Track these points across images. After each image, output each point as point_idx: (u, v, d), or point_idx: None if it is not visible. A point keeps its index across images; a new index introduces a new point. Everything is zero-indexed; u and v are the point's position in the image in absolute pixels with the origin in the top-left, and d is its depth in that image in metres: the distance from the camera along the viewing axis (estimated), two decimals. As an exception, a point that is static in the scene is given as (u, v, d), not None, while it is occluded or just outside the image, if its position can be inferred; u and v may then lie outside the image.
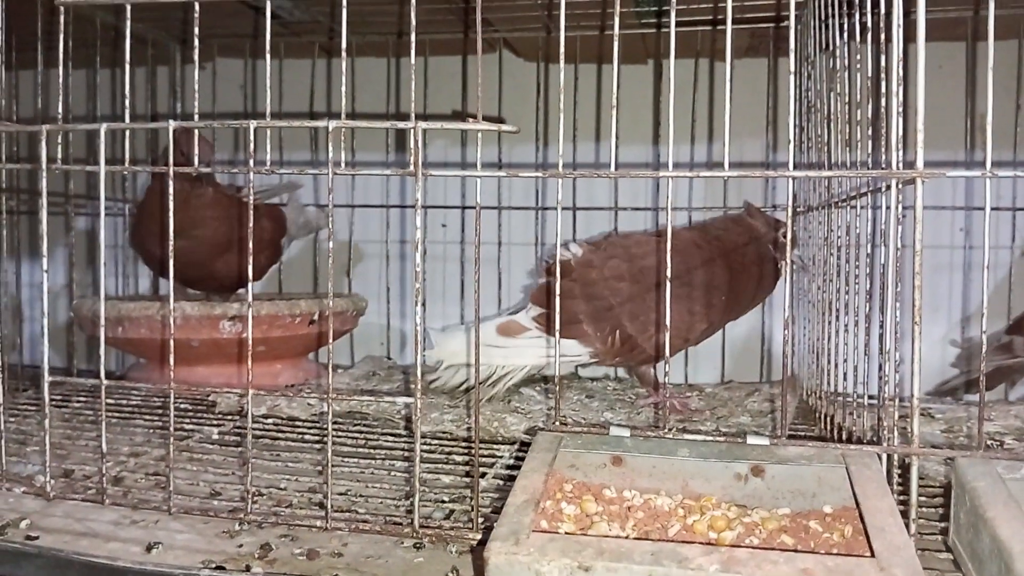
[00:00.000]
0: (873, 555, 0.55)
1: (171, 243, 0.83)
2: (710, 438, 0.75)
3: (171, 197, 0.82)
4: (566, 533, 0.61)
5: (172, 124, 0.79)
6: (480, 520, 0.78)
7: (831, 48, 1.06)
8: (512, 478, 0.94)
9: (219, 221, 1.42)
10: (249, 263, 0.81)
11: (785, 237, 1.24)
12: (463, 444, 1.09)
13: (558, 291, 0.79)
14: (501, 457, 1.04)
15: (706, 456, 0.72)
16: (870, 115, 0.85)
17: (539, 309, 1.26)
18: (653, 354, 1.25)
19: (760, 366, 1.63)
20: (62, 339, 1.69)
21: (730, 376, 1.61)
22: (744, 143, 1.65)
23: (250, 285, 0.82)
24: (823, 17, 1.10)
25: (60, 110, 0.85)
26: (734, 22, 0.77)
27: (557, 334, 0.80)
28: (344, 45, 0.76)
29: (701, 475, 0.72)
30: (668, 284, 0.77)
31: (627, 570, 0.53)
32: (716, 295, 1.22)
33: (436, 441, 1.10)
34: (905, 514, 0.71)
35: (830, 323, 1.03)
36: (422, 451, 0.79)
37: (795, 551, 0.60)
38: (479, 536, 0.76)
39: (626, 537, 0.63)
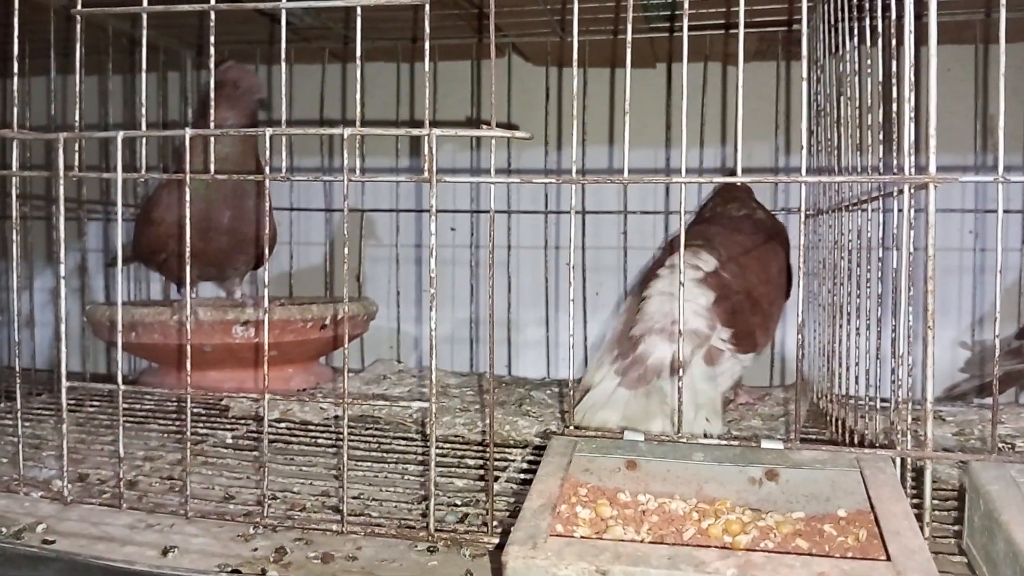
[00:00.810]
0: (889, 559, 0.55)
1: (183, 235, 0.83)
2: (724, 442, 0.75)
3: (188, 202, 0.82)
4: (582, 537, 0.61)
5: (188, 132, 0.80)
6: (494, 523, 0.79)
7: (840, 52, 1.06)
8: (525, 481, 0.94)
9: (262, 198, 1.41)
10: (265, 258, 0.82)
11: None
12: (475, 448, 1.10)
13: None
14: (513, 461, 1.04)
15: (720, 460, 0.72)
16: (880, 119, 0.85)
17: (728, 329, 1.09)
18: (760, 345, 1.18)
19: (770, 370, 1.63)
20: (75, 344, 1.70)
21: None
22: (753, 147, 1.65)
23: (266, 290, 0.83)
24: (832, 21, 1.11)
25: (76, 118, 0.85)
26: (744, 26, 0.77)
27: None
28: (359, 53, 0.77)
29: (715, 479, 0.72)
30: (681, 283, 0.77)
31: (644, 574, 0.53)
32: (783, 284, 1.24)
33: (448, 445, 1.11)
34: (919, 517, 0.71)
35: (841, 326, 1.03)
36: (435, 454, 0.80)
37: (811, 555, 0.60)
38: (494, 540, 0.76)
39: (641, 541, 0.63)
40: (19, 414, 0.91)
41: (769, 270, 1.19)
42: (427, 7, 0.75)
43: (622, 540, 0.61)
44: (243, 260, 1.44)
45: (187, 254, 0.83)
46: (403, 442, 1.12)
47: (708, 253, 1.13)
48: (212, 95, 0.81)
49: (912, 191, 0.73)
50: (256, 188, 1.38)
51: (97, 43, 1.52)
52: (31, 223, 1.54)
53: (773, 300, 1.18)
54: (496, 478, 0.96)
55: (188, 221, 0.82)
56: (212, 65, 0.81)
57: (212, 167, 0.83)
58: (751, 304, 1.12)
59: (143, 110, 0.83)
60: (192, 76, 1.84)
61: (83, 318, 1.49)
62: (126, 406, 1.28)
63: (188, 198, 0.81)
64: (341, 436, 0.81)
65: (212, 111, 0.81)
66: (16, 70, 0.89)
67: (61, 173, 0.83)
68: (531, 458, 1.05)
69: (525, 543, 0.56)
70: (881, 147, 0.87)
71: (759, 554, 0.55)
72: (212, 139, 0.82)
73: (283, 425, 1.20)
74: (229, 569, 0.72)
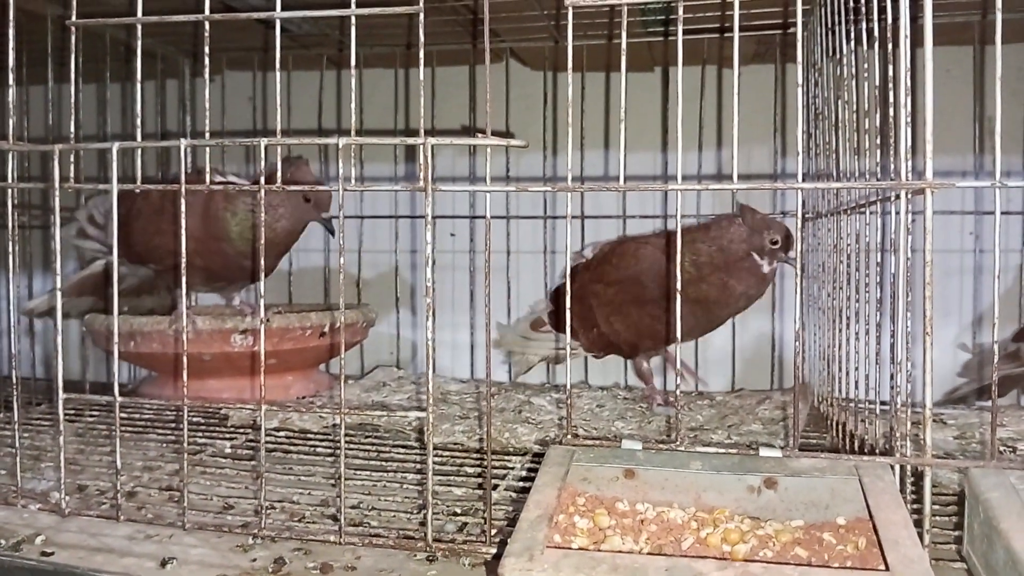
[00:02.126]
0: (888, 568, 0.55)
1: (180, 243, 0.83)
2: (722, 450, 0.75)
3: (183, 211, 0.82)
4: (579, 548, 0.61)
5: (184, 142, 0.80)
6: (493, 532, 0.78)
7: (838, 55, 1.06)
8: (524, 489, 0.94)
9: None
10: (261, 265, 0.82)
11: (774, 243, 1.22)
12: (475, 455, 1.10)
13: (569, 291, 0.81)
14: (513, 468, 1.04)
15: (719, 468, 0.72)
16: (878, 123, 0.85)
17: (551, 307, 1.46)
18: (628, 350, 1.37)
19: (771, 373, 1.62)
20: (74, 353, 1.70)
21: (740, 383, 1.61)
22: (752, 149, 1.64)
23: (261, 301, 0.83)
24: (829, 24, 1.11)
25: (72, 129, 0.85)
26: (740, 29, 0.77)
27: (568, 336, 0.80)
28: (353, 62, 0.77)
29: (714, 487, 0.72)
30: (679, 293, 0.77)
31: (641, 586, 0.53)
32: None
33: (447, 453, 1.11)
34: (919, 523, 0.71)
35: (841, 330, 1.03)
36: (434, 463, 0.80)
37: (809, 564, 0.60)
38: (492, 550, 0.76)
39: (639, 551, 0.63)
40: (17, 425, 0.91)
41: (625, 282, 1.31)
42: (422, 15, 0.75)
43: (620, 551, 0.61)
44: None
45: (183, 262, 0.83)
46: (402, 450, 1.12)
47: (593, 251, 1.40)
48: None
49: (909, 197, 0.73)
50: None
51: (95, 51, 1.52)
52: (29, 232, 1.54)
53: (613, 303, 1.32)
54: (495, 486, 0.96)
55: (184, 232, 0.82)
56: (207, 76, 0.81)
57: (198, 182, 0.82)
58: (581, 296, 1.34)
59: (138, 121, 0.83)
60: (190, 84, 1.83)
61: (82, 327, 1.49)
62: (124, 416, 1.28)
63: (184, 209, 0.81)
64: (340, 445, 0.81)
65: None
66: (12, 80, 0.88)
67: (57, 185, 0.83)
68: (531, 466, 1.05)
69: (521, 555, 0.56)
70: (879, 151, 0.87)
71: (757, 564, 0.55)
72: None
73: (282, 434, 1.20)
74: (228, 580, 0.72)
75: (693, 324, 1.30)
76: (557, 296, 1.44)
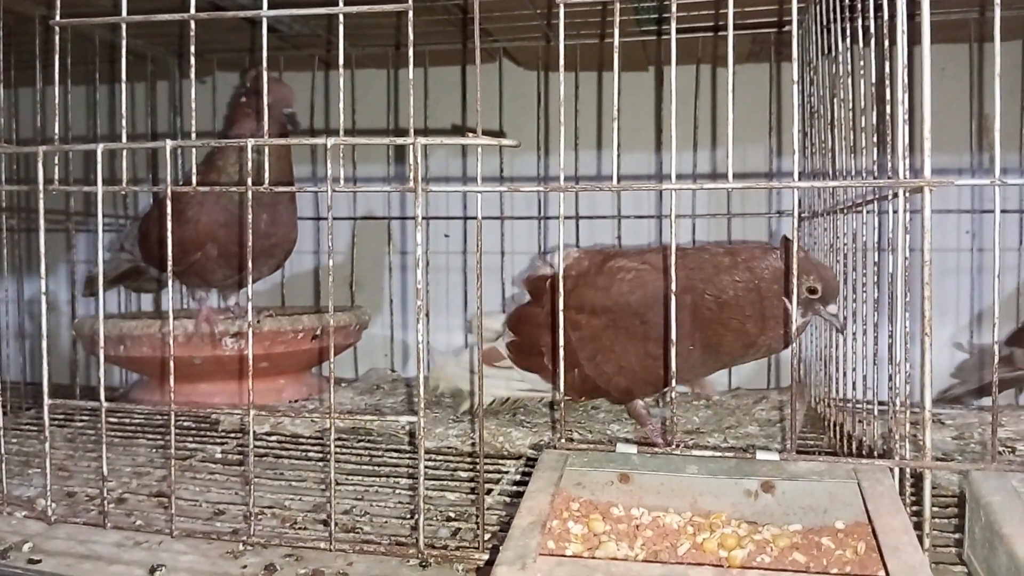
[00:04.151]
0: (888, 575, 0.54)
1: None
2: (719, 454, 0.74)
3: (168, 215, 0.81)
4: (573, 555, 0.60)
5: (169, 144, 0.79)
6: (487, 537, 0.77)
7: (833, 53, 1.05)
8: (518, 494, 0.93)
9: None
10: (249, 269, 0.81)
11: (812, 292, 0.97)
12: (468, 460, 1.09)
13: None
14: (507, 473, 1.03)
15: (715, 472, 0.71)
16: (875, 121, 0.84)
17: (512, 336, 1.16)
18: (619, 396, 1.10)
19: (768, 372, 1.61)
20: (65, 356, 1.69)
21: (737, 383, 1.60)
22: (747, 148, 1.64)
23: (250, 305, 0.82)
24: (825, 22, 1.10)
25: (57, 130, 0.84)
26: (735, 28, 0.76)
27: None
28: (341, 61, 0.76)
29: (710, 492, 0.71)
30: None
31: (636, 594, 0.52)
32: (684, 342, 0.98)
33: (441, 457, 1.10)
34: (919, 526, 0.70)
35: (837, 330, 1.02)
36: (427, 467, 0.79)
37: (808, 570, 0.59)
38: (485, 556, 0.75)
39: (635, 557, 0.62)
40: (3, 430, 0.89)
41: (616, 311, 1.04)
42: (411, 14, 0.73)
43: (615, 558, 0.60)
44: (271, 264, 1.44)
45: (169, 263, 0.82)
46: (395, 454, 1.11)
47: (569, 258, 1.10)
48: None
49: (907, 195, 0.72)
50: (288, 195, 1.39)
51: (84, 53, 1.51)
52: (17, 235, 1.52)
53: (599, 339, 1.05)
54: (489, 491, 0.95)
55: (169, 233, 0.81)
56: (193, 75, 0.80)
57: (185, 174, 0.81)
58: (554, 326, 0.97)
59: (124, 122, 0.82)
60: (181, 85, 1.82)
61: (72, 331, 1.48)
62: (114, 420, 1.27)
63: (169, 210, 0.80)
64: (331, 450, 0.79)
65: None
66: (-1, 82, 0.87)
67: (41, 187, 0.82)
68: (525, 470, 1.04)
69: (514, 563, 0.55)
70: (876, 149, 0.86)
71: (754, 572, 0.54)
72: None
73: (273, 438, 1.19)
74: (217, 588, 0.71)
75: (700, 369, 1.06)
76: (518, 322, 1.15)
